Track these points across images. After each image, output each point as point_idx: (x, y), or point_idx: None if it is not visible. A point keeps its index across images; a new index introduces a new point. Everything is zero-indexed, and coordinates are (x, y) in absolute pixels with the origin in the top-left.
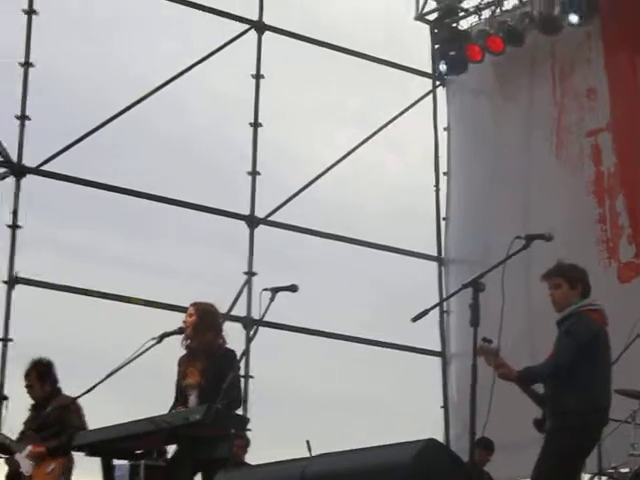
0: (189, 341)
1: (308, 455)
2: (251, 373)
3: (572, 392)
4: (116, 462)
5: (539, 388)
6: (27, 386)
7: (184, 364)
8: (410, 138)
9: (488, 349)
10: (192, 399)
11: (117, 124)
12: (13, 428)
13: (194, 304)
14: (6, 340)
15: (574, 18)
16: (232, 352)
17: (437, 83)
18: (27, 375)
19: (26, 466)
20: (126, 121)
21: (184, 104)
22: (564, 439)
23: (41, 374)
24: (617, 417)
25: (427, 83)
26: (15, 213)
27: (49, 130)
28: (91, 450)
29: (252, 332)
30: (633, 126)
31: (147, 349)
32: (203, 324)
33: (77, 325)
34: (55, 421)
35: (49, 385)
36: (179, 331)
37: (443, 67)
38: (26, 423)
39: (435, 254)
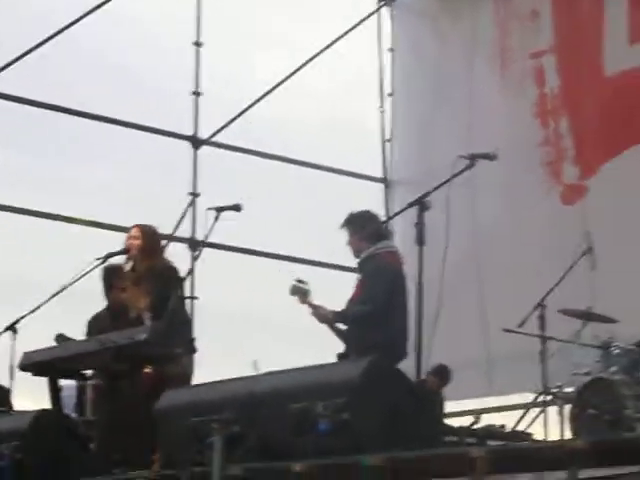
0: (133, 263)
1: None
2: (196, 294)
3: (380, 329)
4: (63, 382)
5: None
6: None
7: (129, 289)
8: (354, 59)
9: (301, 289)
10: (147, 322)
11: (57, 44)
12: None
13: (138, 225)
14: None
15: None
16: (174, 269)
17: (381, 3)
18: None
19: None
20: (67, 41)
21: (124, 24)
22: None
23: None
24: (561, 337)
25: (371, 3)
26: None
27: None
28: (37, 370)
29: (197, 253)
30: (576, 48)
31: (92, 269)
32: (149, 247)
33: (18, 246)
34: None
35: None
36: (124, 251)
37: None
38: None
39: (380, 176)
